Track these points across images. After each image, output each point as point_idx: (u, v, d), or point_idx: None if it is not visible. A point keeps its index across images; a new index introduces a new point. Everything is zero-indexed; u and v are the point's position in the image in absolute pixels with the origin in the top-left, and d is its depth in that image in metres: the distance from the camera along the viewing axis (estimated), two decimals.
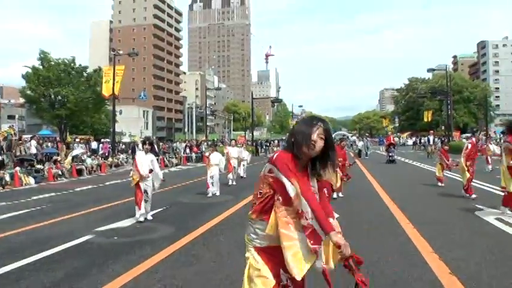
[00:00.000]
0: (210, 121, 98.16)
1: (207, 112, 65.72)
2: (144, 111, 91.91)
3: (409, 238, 7.06)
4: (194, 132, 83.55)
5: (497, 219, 8.67)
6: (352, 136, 75.19)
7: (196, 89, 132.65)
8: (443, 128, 60.28)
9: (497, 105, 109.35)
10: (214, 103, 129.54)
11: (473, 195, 11.52)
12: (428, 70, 57.61)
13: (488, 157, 20.26)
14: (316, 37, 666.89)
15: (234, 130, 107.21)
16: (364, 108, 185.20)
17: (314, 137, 2.82)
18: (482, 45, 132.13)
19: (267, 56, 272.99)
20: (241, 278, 5.11)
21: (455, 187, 13.58)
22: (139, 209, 9.36)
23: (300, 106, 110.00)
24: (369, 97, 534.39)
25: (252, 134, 62.45)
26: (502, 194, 9.24)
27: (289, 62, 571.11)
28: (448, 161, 14.67)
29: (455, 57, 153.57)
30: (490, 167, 19.80)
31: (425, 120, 66.75)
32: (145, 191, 9.48)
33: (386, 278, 5.11)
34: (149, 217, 9.63)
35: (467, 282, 4.88)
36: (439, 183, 14.81)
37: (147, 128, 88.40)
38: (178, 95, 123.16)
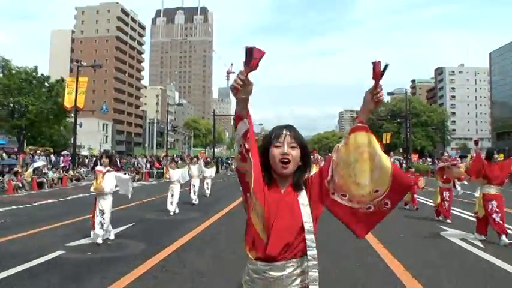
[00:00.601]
0: (170, 137, 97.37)
1: (166, 128, 65.36)
2: (103, 124, 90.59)
3: (381, 257, 7.27)
4: (155, 147, 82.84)
5: (462, 239, 9.14)
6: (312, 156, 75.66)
7: (157, 103, 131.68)
8: (401, 150, 61.65)
9: (454, 130, 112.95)
10: (175, 118, 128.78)
11: (446, 219, 11.83)
12: (389, 94, 59.40)
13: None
14: (278, 57, 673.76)
15: (194, 146, 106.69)
16: (323, 128, 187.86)
17: (285, 149, 2.28)
18: (439, 71, 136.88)
19: (228, 73, 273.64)
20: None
21: (423, 209, 14.14)
22: (93, 229, 8.80)
23: (260, 124, 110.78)
24: (328, 117, 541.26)
25: (213, 150, 62.53)
26: (475, 219, 9.56)
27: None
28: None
29: (413, 81, 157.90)
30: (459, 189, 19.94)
31: (384, 142, 67.90)
32: (102, 212, 8.76)
33: None
34: (112, 236, 9.09)
35: None
36: (415, 207, 14.92)
37: (106, 142, 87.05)
38: (138, 109, 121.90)
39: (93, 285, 5.82)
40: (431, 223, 11.60)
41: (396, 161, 44.63)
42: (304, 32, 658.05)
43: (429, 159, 55.05)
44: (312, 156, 9.23)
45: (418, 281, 5.91)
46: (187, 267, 6.95)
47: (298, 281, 2.24)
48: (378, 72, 2.13)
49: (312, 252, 2.23)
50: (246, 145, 2.12)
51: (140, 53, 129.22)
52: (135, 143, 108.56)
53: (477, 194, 9.62)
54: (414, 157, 62.63)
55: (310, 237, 2.22)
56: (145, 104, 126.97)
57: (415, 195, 15.31)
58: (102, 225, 8.65)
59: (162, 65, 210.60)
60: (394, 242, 8.67)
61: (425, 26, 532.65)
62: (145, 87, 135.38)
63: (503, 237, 8.59)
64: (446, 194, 12.03)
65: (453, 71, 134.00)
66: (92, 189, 9.25)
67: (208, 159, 22.92)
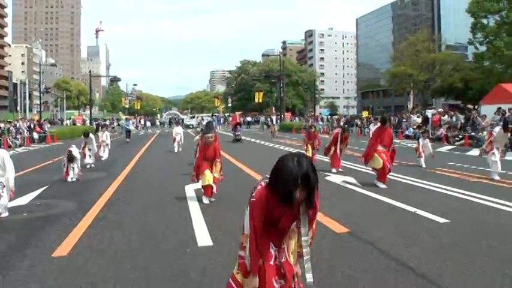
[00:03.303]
0: (38, 99, 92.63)
1: (39, 89, 62.34)
2: None
3: None
4: (27, 110, 78.57)
5: (344, 181, 11.38)
6: (191, 117, 75.75)
7: (23, 63, 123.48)
8: (273, 108, 64.57)
9: (322, 89, 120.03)
10: (43, 80, 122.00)
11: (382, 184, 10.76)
12: (263, 55, 62.17)
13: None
14: (149, 15, 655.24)
15: (66, 108, 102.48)
16: (195, 88, 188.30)
17: (297, 195, 2.79)
18: (309, 34, 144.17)
19: (97, 31, 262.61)
20: (163, 227, 6.76)
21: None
22: None
23: (135, 85, 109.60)
24: (200, 77, 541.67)
25: (90, 112, 61.11)
26: (374, 172, 11.17)
27: (120, 39, 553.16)
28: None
29: (284, 42, 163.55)
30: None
31: (257, 101, 69.63)
32: (1, 185, 7.97)
33: None
34: (4, 214, 8.09)
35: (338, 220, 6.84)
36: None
37: None
38: (3, 70, 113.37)
39: (54, 237, 6.54)
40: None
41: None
42: None
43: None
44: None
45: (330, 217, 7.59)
46: (127, 213, 8.21)
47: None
48: None
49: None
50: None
51: (3, 6, 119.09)
52: (0, 107, 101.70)
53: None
54: (287, 115, 66.04)
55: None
56: (10, 64, 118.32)
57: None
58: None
59: (26, 21, 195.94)
60: None
61: None
62: (9, 45, 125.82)
63: (382, 184, 10.59)
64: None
65: (322, 34, 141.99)
66: None
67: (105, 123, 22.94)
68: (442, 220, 7.10)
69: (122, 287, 4.61)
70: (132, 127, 43.71)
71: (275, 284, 2.97)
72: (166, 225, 7.18)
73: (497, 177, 11.44)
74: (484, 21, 45.88)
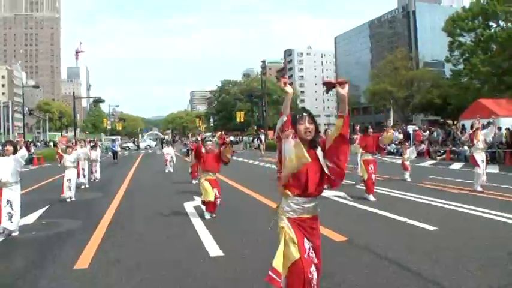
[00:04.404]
0: (18, 120, 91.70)
1: (22, 111, 62.03)
2: None
3: None
4: (11, 132, 77.82)
5: (335, 195, 11.73)
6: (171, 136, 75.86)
7: (3, 85, 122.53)
8: (255, 127, 64.79)
9: (303, 108, 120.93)
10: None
11: (369, 195, 11.36)
12: (244, 75, 62.64)
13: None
14: (128, 36, 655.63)
15: (48, 130, 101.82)
16: (176, 108, 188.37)
17: (307, 125, 3.49)
18: (288, 53, 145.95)
19: (77, 52, 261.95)
20: (172, 241, 7.12)
21: None
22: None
23: (117, 106, 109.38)
24: (180, 97, 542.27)
25: (75, 133, 60.97)
26: (362, 184, 11.96)
27: (100, 60, 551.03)
28: None
29: (264, 61, 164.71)
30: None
31: (238, 120, 69.85)
32: (9, 202, 8.21)
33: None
34: (15, 233, 8.35)
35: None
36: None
37: None
38: None
39: (70, 252, 6.87)
40: None
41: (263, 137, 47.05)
42: (159, 9, 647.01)
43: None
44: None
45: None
46: (134, 230, 8.56)
47: (316, 209, 3.64)
48: (329, 84, 3.49)
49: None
50: (281, 135, 3.47)
51: None
52: None
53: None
54: (270, 134, 66.35)
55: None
56: None
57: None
58: (11, 217, 8.15)
59: (6, 43, 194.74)
60: None
61: (275, 9, 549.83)
62: None
63: (371, 196, 11.24)
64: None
65: (301, 53, 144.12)
66: None
67: (95, 143, 22.88)
68: (431, 228, 7.69)
69: None
70: (118, 148, 43.91)
71: (310, 274, 3.44)
72: (174, 239, 7.61)
73: (479, 189, 12.17)
74: (461, 39, 47.09)
